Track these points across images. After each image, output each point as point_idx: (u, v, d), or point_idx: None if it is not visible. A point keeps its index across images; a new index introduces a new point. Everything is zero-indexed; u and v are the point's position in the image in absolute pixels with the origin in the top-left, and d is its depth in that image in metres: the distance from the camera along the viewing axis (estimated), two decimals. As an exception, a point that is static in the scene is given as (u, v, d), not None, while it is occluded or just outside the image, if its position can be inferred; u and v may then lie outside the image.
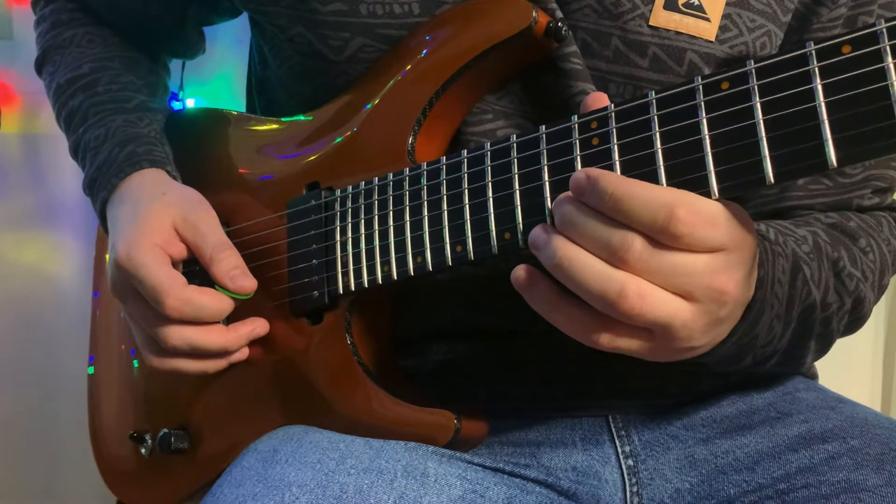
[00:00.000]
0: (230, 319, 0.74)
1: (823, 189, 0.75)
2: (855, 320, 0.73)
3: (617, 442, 0.73)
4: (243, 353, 0.75)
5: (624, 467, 0.72)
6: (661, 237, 0.49)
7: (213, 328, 0.73)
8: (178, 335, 0.72)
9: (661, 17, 0.67)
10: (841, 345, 0.76)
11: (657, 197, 0.49)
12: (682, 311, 0.50)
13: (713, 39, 0.68)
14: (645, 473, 0.72)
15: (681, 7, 0.68)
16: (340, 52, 0.73)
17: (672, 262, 0.50)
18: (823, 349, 0.72)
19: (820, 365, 0.83)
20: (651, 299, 0.50)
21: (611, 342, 0.53)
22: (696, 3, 0.68)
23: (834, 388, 0.79)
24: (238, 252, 0.74)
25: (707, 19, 0.68)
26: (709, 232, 0.49)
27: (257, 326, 0.75)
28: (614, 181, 0.50)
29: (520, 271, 0.55)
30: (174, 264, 0.74)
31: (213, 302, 0.72)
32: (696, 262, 0.50)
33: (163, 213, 0.74)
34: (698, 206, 0.49)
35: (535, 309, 0.55)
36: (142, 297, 0.73)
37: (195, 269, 0.75)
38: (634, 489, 0.71)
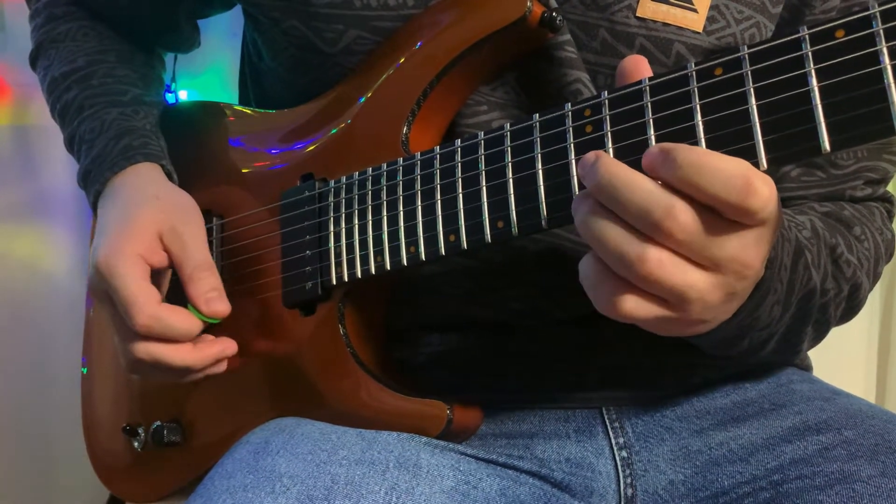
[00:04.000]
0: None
1: (817, 180, 0.75)
2: (851, 307, 0.72)
3: (611, 433, 0.73)
4: (221, 367, 0.75)
5: (618, 459, 0.72)
6: (730, 212, 0.47)
7: (181, 346, 0.72)
8: (143, 350, 0.71)
9: (649, 9, 0.67)
10: (835, 337, 0.76)
11: (731, 167, 0.46)
12: (700, 281, 0.49)
13: (700, 31, 0.68)
14: (639, 465, 0.71)
15: None
16: (334, 44, 0.72)
17: (714, 232, 0.48)
18: (819, 336, 0.72)
19: (814, 357, 0.83)
20: (671, 266, 0.48)
21: (620, 304, 0.50)
22: None
23: (828, 380, 0.78)
24: (218, 274, 0.74)
25: (694, 10, 0.67)
26: (774, 206, 0.47)
27: (226, 347, 0.74)
28: (685, 149, 0.47)
29: None
30: (155, 272, 0.73)
31: (182, 322, 0.71)
32: (742, 236, 0.48)
33: (150, 220, 0.73)
34: (768, 179, 0.46)
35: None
36: (114, 305, 0.72)
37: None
38: (628, 481, 0.71)
